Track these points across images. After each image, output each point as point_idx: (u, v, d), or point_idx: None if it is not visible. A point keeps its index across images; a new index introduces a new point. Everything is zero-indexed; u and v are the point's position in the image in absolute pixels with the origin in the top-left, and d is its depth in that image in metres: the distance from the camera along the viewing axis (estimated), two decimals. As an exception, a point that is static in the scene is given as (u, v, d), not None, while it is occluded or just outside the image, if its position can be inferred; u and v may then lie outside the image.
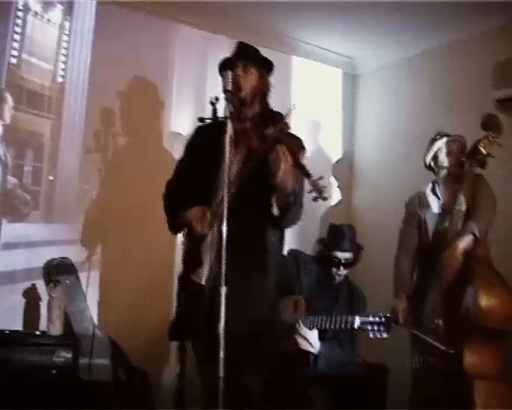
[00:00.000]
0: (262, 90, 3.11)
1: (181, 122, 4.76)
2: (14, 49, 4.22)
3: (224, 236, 2.60)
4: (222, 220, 2.64)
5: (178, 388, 2.92)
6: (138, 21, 4.69)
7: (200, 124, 3.12)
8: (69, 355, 3.68)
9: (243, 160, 2.98)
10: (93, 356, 3.76)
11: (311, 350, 3.79)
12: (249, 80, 3.05)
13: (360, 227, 4.75)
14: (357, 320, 3.74)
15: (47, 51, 4.40)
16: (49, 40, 4.41)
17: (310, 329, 3.79)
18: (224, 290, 2.58)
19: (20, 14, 4.25)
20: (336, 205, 5.77)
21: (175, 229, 3.11)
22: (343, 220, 4.56)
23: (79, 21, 4.53)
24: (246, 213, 2.82)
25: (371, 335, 3.72)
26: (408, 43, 5.16)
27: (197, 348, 3.05)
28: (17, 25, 4.23)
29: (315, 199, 2.69)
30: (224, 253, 2.58)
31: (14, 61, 4.23)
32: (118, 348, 3.95)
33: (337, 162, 5.83)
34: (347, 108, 5.92)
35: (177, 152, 3.49)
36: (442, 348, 3.59)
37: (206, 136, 3.05)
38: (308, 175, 2.74)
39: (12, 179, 4.22)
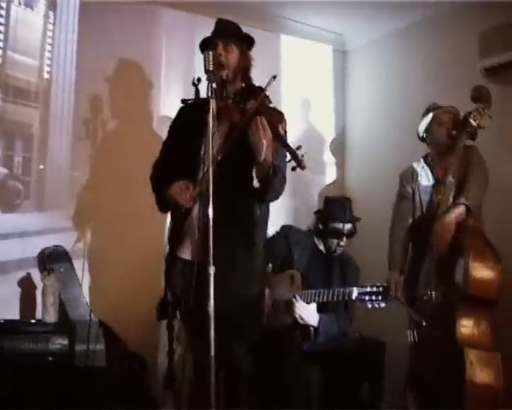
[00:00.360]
0: (243, 67, 3.13)
1: (170, 104, 4.72)
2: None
3: (211, 212, 2.62)
4: (205, 195, 2.68)
5: (168, 366, 2.92)
6: (123, 7, 4.65)
7: (183, 105, 3.17)
8: (65, 342, 3.69)
9: (225, 134, 2.99)
10: (89, 342, 3.79)
11: (311, 324, 3.81)
12: (230, 58, 3.05)
13: (354, 202, 4.78)
14: (355, 291, 3.78)
15: (32, 44, 4.38)
16: (33, 32, 4.39)
17: (308, 303, 3.81)
18: (212, 270, 2.60)
19: (3, 4, 4.24)
20: (332, 183, 5.76)
21: (162, 207, 3.13)
22: (338, 196, 4.60)
23: (63, 11, 4.50)
24: (229, 187, 2.83)
25: (369, 305, 3.77)
26: (395, 17, 5.13)
27: (186, 324, 3.07)
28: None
29: (293, 168, 2.72)
30: (211, 230, 2.60)
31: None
32: (113, 333, 3.97)
33: (332, 141, 5.80)
34: (338, 85, 5.89)
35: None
36: (420, 321, 3.65)
37: (189, 115, 3.10)
38: (286, 145, 2.75)
39: (3, 170, 4.23)
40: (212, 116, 2.74)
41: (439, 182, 3.95)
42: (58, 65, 4.47)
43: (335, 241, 3.99)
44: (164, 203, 3.08)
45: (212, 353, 2.55)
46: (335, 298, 3.80)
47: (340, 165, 5.87)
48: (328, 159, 5.81)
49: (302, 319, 3.81)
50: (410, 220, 4.09)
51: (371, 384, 3.94)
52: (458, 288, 3.53)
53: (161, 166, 3.18)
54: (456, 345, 3.44)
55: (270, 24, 5.35)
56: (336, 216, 4.02)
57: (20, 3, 4.31)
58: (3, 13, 4.23)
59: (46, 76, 4.43)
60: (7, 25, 4.24)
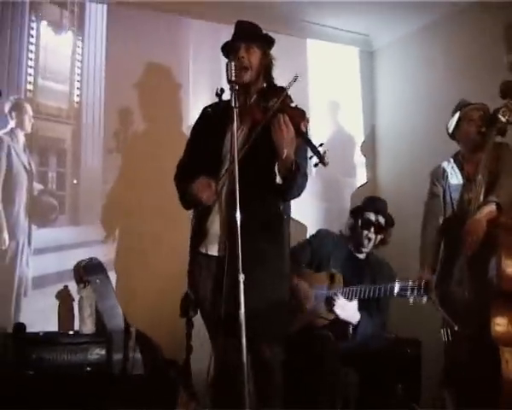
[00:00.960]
0: (266, 67, 3.16)
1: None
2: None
3: (238, 215, 2.68)
4: (228, 192, 2.89)
5: (184, 362, 2.97)
6: (149, 19, 4.75)
7: (207, 105, 3.32)
8: (103, 352, 3.76)
9: (247, 132, 3.06)
10: (125, 351, 3.85)
11: (352, 321, 3.81)
12: (253, 59, 3.11)
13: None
14: (397, 286, 3.77)
15: (61, 69, 4.51)
16: (62, 48, 4.51)
17: (349, 300, 3.81)
18: (242, 277, 2.64)
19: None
20: (364, 185, 5.74)
21: (185, 203, 3.18)
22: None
23: (91, 25, 4.60)
24: (252, 184, 2.85)
25: (411, 300, 3.74)
26: (421, 13, 5.08)
27: (208, 322, 3.12)
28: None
29: (316, 165, 2.78)
30: (238, 233, 2.66)
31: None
32: (149, 340, 4.02)
33: (362, 142, 5.79)
34: (366, 86, 5.87)
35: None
36: (452, 324, 3.68)
37: (212, 115, 3.19)
38: (308, 142, 2.79)
39: (38, 186, 4.33)
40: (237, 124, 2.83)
41: (469, 180, 3.92)
42: (88, 76, 4.59)
43: (365, 232, 4.00)
44: (187, 200, 3.13)
45: (245, 360, 2.60)
46: (377, 294, 3.79)
47: (371, 165, 5.83)
48: (359, 160, 5.79)
49: (343, 315, 3.81)
50: (441, 219, 4.06)
51: (407, 386, 3.91)
52: (492, 285, 3.51)
53: (184, 165, 3.24)
54: (492, 343, 3.41)
55: (296, 29, 5.38)
56: (370, 207, 4.06)
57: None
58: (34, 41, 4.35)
59: (76, 98, 4.53)
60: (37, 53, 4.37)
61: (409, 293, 3.73)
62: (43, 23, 4.42)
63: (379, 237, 4.07)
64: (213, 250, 3.07)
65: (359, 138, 5.81)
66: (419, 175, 4.65)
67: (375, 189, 5.70)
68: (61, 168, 4.46)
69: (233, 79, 2.87)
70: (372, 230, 4.03)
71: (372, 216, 4.04)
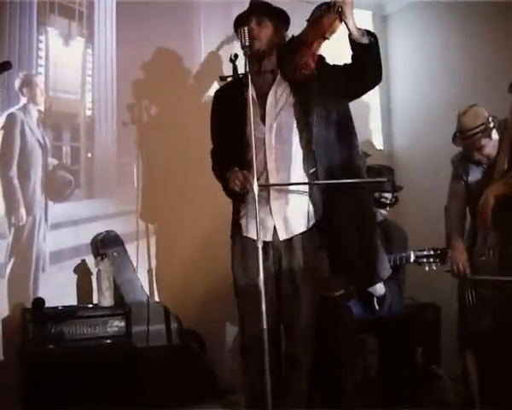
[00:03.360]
0: (278, 43, 3.07)
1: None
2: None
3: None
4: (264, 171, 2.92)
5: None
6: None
7: (218, 88, 3.26)
8: (122, 324, 3.78)
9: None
10: (147, 323, 3.88)
11: (380, 293, 3.80)
12: (264, 33, 3.01)
13: (401, 171, 4.74)
14: (413, 255, 3.80)
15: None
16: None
17: None
18: (260, 243, 2.67)
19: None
20: (379, 151, 5.69)
21: (229, 193, 3.07)
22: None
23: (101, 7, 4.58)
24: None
25: (427, 267, 3.73)
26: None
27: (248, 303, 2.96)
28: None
29: None
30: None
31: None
32: (168, 312, 4.04)
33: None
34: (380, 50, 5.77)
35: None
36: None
37: (228, 96, 3.10)
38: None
39: (52, 161, 4.31)
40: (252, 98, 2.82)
41: (490, 163, 3.85)
42: (99, 52, 4.56)
43: (378, 209, 3.96)
44: (228, 191, 3.03)
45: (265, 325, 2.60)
46: (393, 263, 3.78)
47: (387, 132, 5.77)
48: (375, 126, 5.72)
49: (371, 287, 3.80)
50: (465, 198, 4.01)
51: (427, 349, 3.90)
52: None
53: (216, 154, 3.18)
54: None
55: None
56: (375, 184, 3.99)
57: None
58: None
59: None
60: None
61: (425, 260, 3.77)
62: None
63: (388, 209, 4.04)
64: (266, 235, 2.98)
65: (375, 104, 5.74)
66: (433, 139, 4.63)
67: (391, 156, 5.66)
68: (75, 143, 4.43)
69: (246, 43, 2.82)
70: (383, 208, 3.99)
71: (378, 195, 3.98)
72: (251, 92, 2.82)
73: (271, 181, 2.94)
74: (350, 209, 2.99)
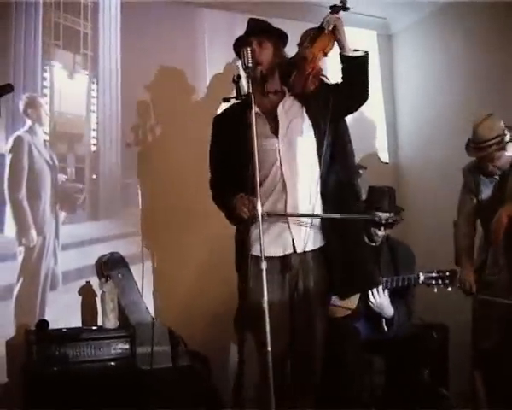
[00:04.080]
0: (279, 63, 3.08)
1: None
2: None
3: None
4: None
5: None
6: (163, 11, 4.73)
7: (217, 115, 3.26)
8: (126, 346, 3.77)
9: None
10: (151, 344, 3.85)
11: (388, 314, 3.79)
12: (265, 54, 3.02)
13: (406, 187, 4.70)
14: (422, 276, 3.80)
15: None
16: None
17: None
18: (264, 265, 2.66)
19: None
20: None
21: (233, 220, 3.06)
22: (391, 182, 4.56)
23: (106, 20, 4.60)
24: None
25: (435, 289, 3.74)
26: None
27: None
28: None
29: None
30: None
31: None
32: (172, 333, 4.01)
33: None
34: (385, 69, 5.80)
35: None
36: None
37: (230, 119, 3.09)
38: None
39: (61, 176, 4.36)
40: (257, 114, 2.85)
41: (503, 175, 3.83)
42: (104, 74, 4.60)
43: (373, 230, 3.95)
44: (233, 218, 3.02)
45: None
46: (402, 284, 3.80)
47: (393, 149, 5.77)
48: (380, 145, 5.72)
49: (379, 308, 3.78)
50: (474, 212, 3.99)
51: (434, 370, 3.87)
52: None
53: (217, 184, 3.15)
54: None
55: (313, 15, 5.29)
56: (376, 205, 3.98)
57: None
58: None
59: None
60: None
61: (434, 282, 3.79)
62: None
63: (388, 230, 4.03)
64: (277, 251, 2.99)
65: (380, 122, 5.74)
66: (438, 152, 4.63)
67: (396, 173, 5.65)
68: (80, 164, 4.45)
69: (250, 64, 2.84)
70: (381, 228, 3.98)
71: (378, 217, 3.97)
72: (256, 110, 2.81)
73: (288, 188, 2.95)
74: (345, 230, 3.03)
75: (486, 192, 3.90)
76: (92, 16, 4.57)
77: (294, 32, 3.22)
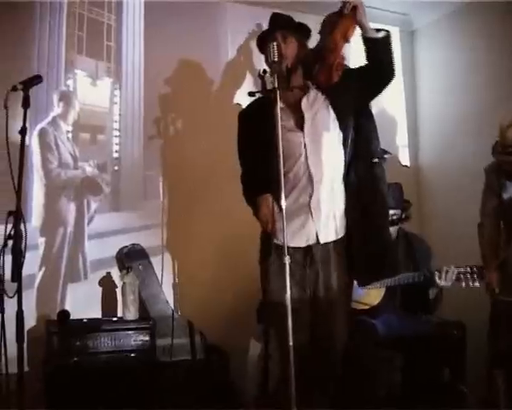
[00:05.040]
0: (303, 58, 3.06)
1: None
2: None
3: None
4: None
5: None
6: (187, 5, 4.74)
7: (242, 109, 3.24)
8: (146, 338, 3.78)
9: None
10: (171, 337, 3.87)
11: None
12: (290, 49, 3.01)
13: (428, 183, 4.67)
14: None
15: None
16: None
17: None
18: (287, 260, 2.65)
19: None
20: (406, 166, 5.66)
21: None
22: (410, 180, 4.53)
23: (129, 19, 4.64)
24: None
25: (463, 283, 3.70)
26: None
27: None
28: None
29: None
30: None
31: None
32: (192, 327, 4.03)
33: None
34: (407, 65, 5.75)
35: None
36: None
37: (256, 113, 3.07)
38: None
39: (87, 166, 4.38)
40: (282, 109, 2.81)
41: None
42: (127, 65, 4.61)
43: None
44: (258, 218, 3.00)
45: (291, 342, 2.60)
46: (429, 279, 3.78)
47: (414, 145, 5.74)
48: (401, 141, 5.69)
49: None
50: (498, 213, 3.96)
51: (453, 368, 3.85)
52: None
53: (247, 178, 3.13)
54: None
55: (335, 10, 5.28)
56: None
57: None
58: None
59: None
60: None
61: (462, 277, 3.74)
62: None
63: (398, 226, 4.01)
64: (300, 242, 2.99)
65: (402, 119, 5.71)
66: (460, 153, 4.61)
67: (417, 170, 5.63)
68: (102, 156, 4.47)
69: (275, 59, 2.81)
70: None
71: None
72: (281, 105, 2.78)
73: (315, 183, 2.94)
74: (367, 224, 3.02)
75: (509, 192, 3.85)
76: (116, 9, 4.59)
77: (316, 27, 3.17)
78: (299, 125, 2.99)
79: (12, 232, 2.46)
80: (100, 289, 4.21)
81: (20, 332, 2.56)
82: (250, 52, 4.85)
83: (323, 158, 2.96)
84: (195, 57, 4.74)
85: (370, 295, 3.75)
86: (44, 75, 4.00)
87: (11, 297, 2.55)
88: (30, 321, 3.98)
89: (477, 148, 4.10)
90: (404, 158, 5.69)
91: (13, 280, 2.47)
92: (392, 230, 3.96)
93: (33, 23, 4.26)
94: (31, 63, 4.22)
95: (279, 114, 2.74)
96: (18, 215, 2.46)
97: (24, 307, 2.59)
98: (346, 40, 2.91)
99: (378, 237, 3.05)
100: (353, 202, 3.02)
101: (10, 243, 2.49)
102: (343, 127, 3.01)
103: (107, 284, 4.21)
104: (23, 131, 2.62)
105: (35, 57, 4.25)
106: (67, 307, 4.05)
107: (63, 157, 4.27)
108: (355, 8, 2.87)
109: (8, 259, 2.52)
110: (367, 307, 3.77)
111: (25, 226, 2.49)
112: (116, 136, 4.52)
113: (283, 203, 2.70)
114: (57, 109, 4.26)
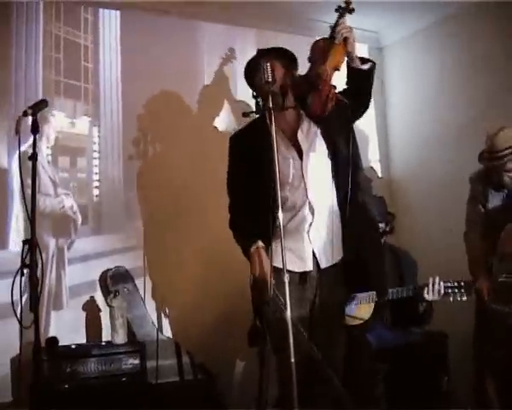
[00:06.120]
0: (292, 85, 3.05)
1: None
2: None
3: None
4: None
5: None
6: (164, 25, 4.75)
7: (233, 134, 3.24)
8: (137, 361, 3.75)
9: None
10: (159, 358, 3.85)
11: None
12: (276, 74, 2.93)
13: (400, 197, 4.75)
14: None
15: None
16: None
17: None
18: (287, 278, 2.62)
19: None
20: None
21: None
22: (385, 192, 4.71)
23: (106, 39, 4.62)
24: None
25: (451, 298, 3.74)
26: (431, 10, 5.09)
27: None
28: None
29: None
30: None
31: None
32: (179, 347, 4.02)
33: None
34: (376, 83, 5.83)
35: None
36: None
37: (250, 138, 3.06)
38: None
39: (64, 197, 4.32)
40: (277, 132, 2.79)
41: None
42: (105, 88, 4.57)
43: None
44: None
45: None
46: (413, 292, 3.79)
47: (385, 162, 5.83)
48: (373, 157, 5.78)
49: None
50: (483, 222, 4.03)
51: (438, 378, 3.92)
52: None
53: (236, 211, 3.08)
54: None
55: (304, 28, 5.35)
56: None
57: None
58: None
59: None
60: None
61: (450, 291, 3.74)
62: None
63: (383, 239, 4.07)
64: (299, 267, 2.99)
65: (372, 135, 5.80)
66: (431, 165, 4.77)
67: (390, 184, 5.72)
68: (81, 178, 4.44)
69: (269, 79, 2.80)
70: None
71: None
72: (278, 128, 2.81)
73: (316, 211, 2.95)
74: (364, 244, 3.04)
75: (494, 202, 3.94)
76: (93, 29, 4.58)
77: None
78: (297, 154, 2.99)
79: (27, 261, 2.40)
80: (83, 313, 4.16)
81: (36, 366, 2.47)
82: (225, 78, 4.89)
83: (320, 187, 2.97)
84: (173, 79, 4.74)
85: (361, 310, 3.78)
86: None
87: (27, 328, 2.48)
88: (14, 348, 3.90)
89: (446, 161, 4.20)
90: (377, 171, 5.79)
91: (31, 310, 2.41)
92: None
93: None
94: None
95: (274, 133, 2.70)
96: (33, 244, 2.41)
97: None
98: (337, 69, 2.96)
99: (373, 260, 3.09)
100: (349, 229, 3.00)
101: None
102: (332, 156, 2.99)
103: (91, 308, 4.16)
104: (33, 157, 2.58)
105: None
106: (51, 333, 3.99)
107: (42, 183, 4.20)
108: (346, 38, 2.92)
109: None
110: (360, 322, 3.80)
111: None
112: (96, 157, 4.48)
113: (281, 219, 2.65)
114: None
